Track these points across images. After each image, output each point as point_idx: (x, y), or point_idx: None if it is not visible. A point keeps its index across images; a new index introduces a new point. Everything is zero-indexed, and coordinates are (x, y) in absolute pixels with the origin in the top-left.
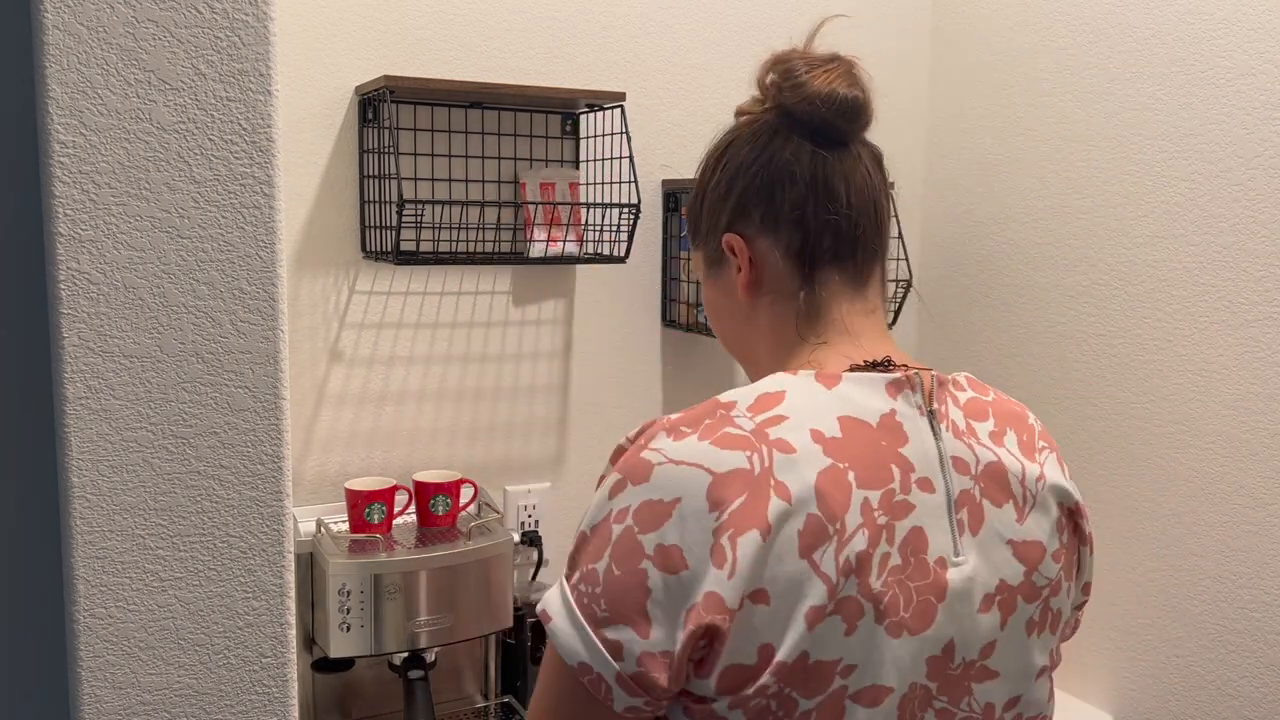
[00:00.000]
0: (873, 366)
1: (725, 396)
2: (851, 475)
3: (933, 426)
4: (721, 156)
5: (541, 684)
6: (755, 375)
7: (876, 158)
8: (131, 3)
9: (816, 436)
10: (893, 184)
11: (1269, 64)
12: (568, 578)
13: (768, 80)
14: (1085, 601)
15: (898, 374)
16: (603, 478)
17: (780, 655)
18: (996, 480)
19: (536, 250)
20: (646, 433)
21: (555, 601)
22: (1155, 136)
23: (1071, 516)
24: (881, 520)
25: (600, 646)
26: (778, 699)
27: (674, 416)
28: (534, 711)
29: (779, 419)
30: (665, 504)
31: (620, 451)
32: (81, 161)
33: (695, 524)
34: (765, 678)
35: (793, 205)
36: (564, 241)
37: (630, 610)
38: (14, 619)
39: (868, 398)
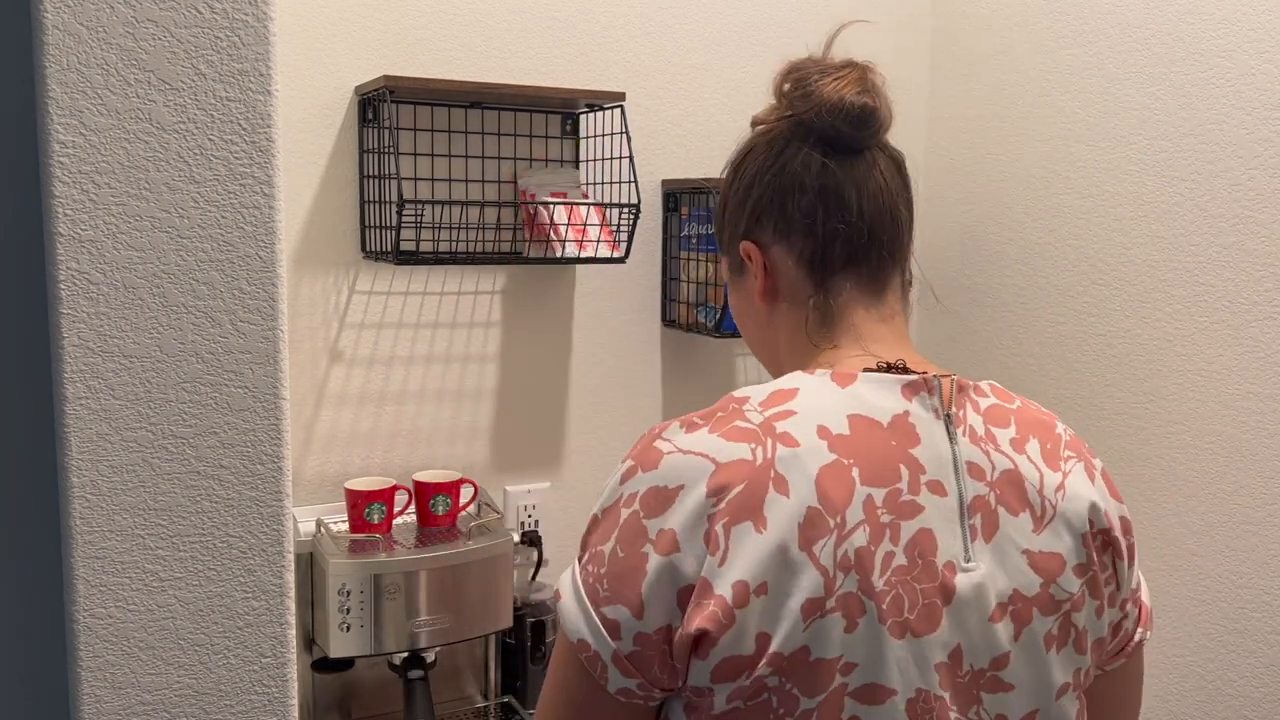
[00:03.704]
0: (889, 369)
1: (740, 392)
2: (855, 471)
3: (948, 430)
4: (740, 165)
5: (550, 666)
6: (776, 374)
7: (896, 162)
8: (131, 3)
9: (822, 433)
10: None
11: (1269, 64)
12: (579, 558)
13: (784, 88)
14: (1134, 619)
15: (914, 376)
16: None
17: (775, 646)
18: (1013, 488)
19: (570, 250)
20: (662, 425)
21: (566, 581)
22: (1155, 136)
23: (1103, 533)
24: (885, 519)
25: (599, 624)
26: (779, 694)
27: (693, 413)
28: (542, 693)
29: (787, 414)
30: (670, 490)
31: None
32: (81, 161)
33: (694, 510)
34: (762, 668)
35: (803, 214)
36: (597, 242)
37: (629, 592)
38: (14, 619)
39: (881, 398)
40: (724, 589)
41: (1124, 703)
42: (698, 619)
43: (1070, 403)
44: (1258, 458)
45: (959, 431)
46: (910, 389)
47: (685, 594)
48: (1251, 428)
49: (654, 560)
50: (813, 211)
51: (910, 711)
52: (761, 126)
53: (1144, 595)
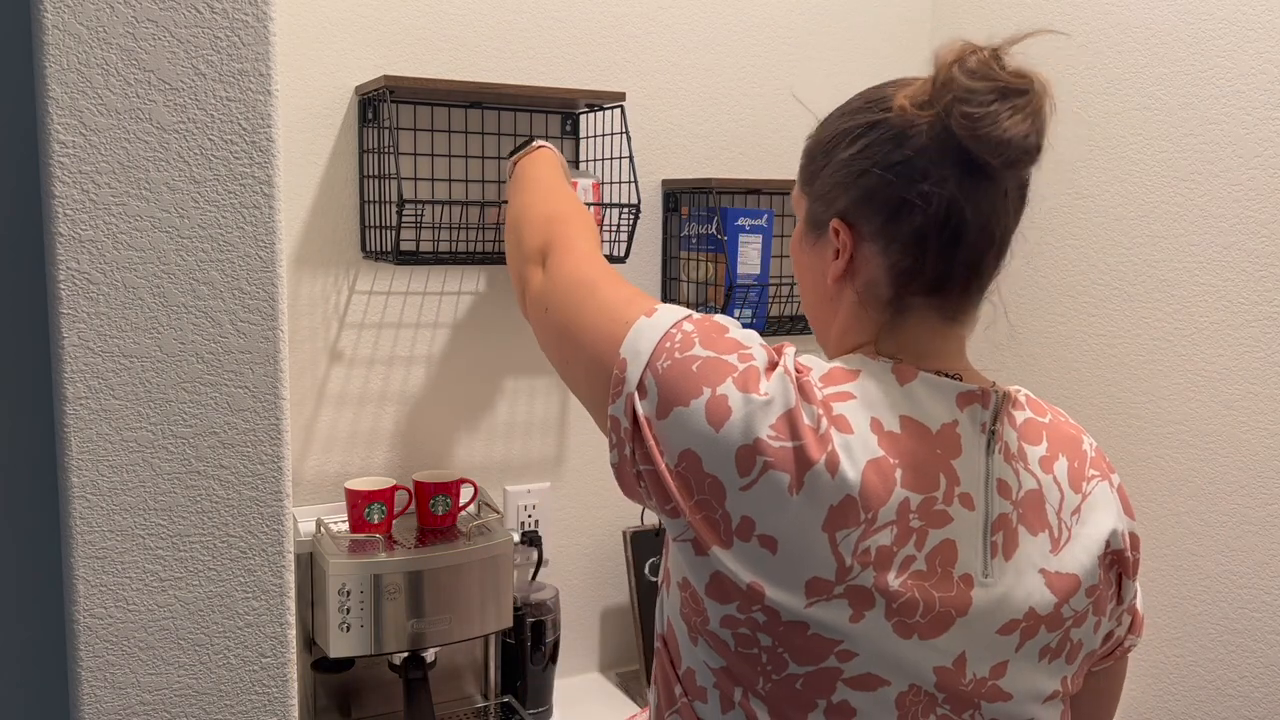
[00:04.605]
0: (946, 375)
1: (804, 359)
2: (898, 473)
3: (988, 445)
4: (866, 133)
5: (593, 322)
6: (821, 341)
7: (1021, 185)
8: (131, 3)
9: (875, 426)
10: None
11: (1269, 64)
12: (687, 318)
13: (947, 91)
14: (1125, 626)
15: (972, 387)
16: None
17: (770, 603)
18: (1035, 508)
19: None
20: (790, 346)
21: (666, 317)
22: (1155, 136)
23: (1116, 553)
24: (915, 524)
25: (639, 375)
26: (769, 653)
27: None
28: (576, 264)
29: (846, 395)
30: (759, 393)
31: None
32: (81, 161)
33: (749, 420)
34: (756, 613)
35: (914, 233)
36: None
37: (670, 396)
38: (14, 619)
39: (935, 404)
40: (734, 510)
41: (1102, 697)
42: (701, 522)
43: (1070, 402)
44: (1258, 458)
45: (996, 448)
46: (965, 399)
47: (691, 458)
48: (1251, 428)
49: (697, 405)
50: (924, 236)
51: (900, 703)
52: (909, 110)
53: (1139, 604)
